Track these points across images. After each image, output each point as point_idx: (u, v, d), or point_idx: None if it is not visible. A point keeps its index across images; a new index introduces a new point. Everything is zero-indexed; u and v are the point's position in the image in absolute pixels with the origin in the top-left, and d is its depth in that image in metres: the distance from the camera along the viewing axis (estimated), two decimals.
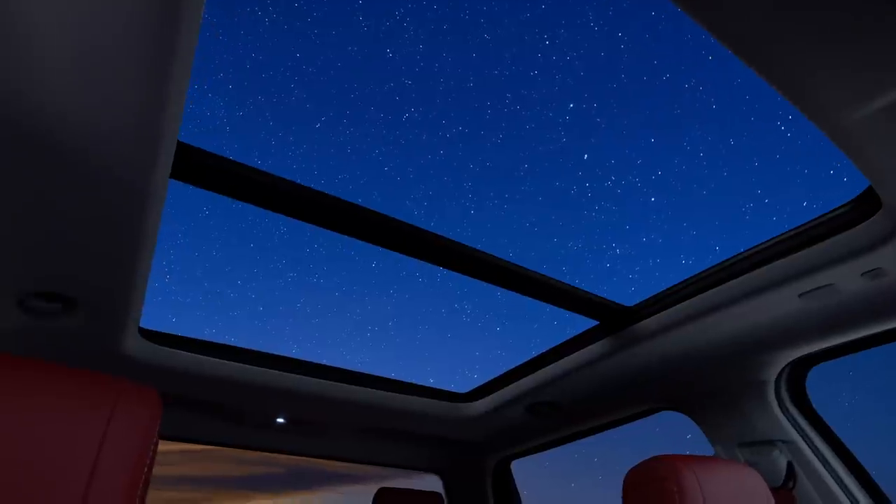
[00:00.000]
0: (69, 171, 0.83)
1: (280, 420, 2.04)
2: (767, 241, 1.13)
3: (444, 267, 1.25)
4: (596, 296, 1.36)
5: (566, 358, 1.62)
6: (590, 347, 1.53)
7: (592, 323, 1.55)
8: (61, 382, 0.57)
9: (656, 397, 1.66)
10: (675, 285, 1.34)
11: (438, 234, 1.18)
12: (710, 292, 1.23)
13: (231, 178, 0.96)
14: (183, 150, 0.90)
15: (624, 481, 1.11)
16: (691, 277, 1.30)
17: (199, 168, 0.93)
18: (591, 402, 1.79)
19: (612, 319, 1.42)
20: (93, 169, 0.83)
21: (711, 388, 1.51)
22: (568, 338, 1.63)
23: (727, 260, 1.22)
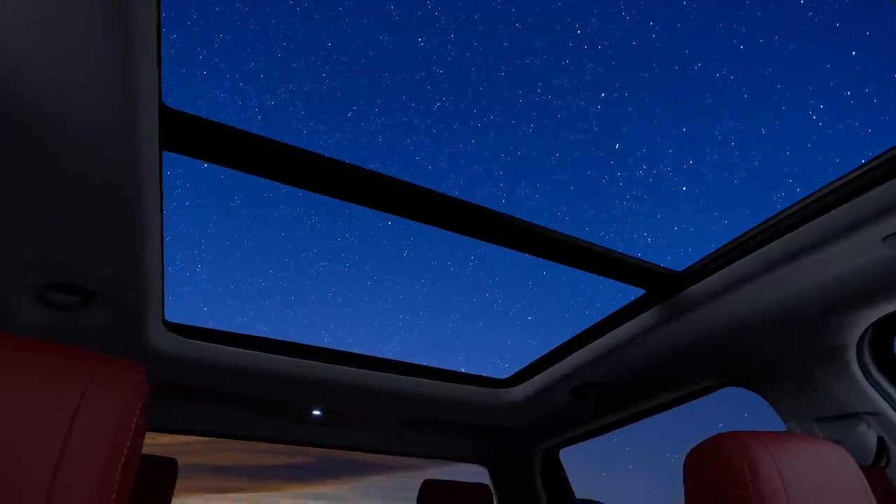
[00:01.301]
0: (53, 151, 0.79)
1: (316, 412, 2.00)
2: (840, 178, 0.97)
3: (480, 238, 1.14)
4: (641, 260, 1.23)
5: (611, 333, 1.48)
6: (636, 320, 1.40)
7: (636, 295, 1.41)
8: (32, 357, 0.52)
9: (716, 372, 1.50)
10: (728, 243, 1.18)
11: (472, 202, 1.07)
12: (769, 247, 1.08)
13: (229, 145, 0.89)
14: (173, 118, 0.84)
15: (685, 462, 0.98)
16: (746, 233, 1.14)
17: (194, 137, 0.87)
18: (641, 382, 1.64)
19: (660, 286, 1.28)
20: (77, 147, 0.78)
21: (780, 358, 1.34)
22: (610, 312, 1.50)
23: (788, 208, 1.06)
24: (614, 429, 2.05)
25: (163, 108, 0.81)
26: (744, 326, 1.25)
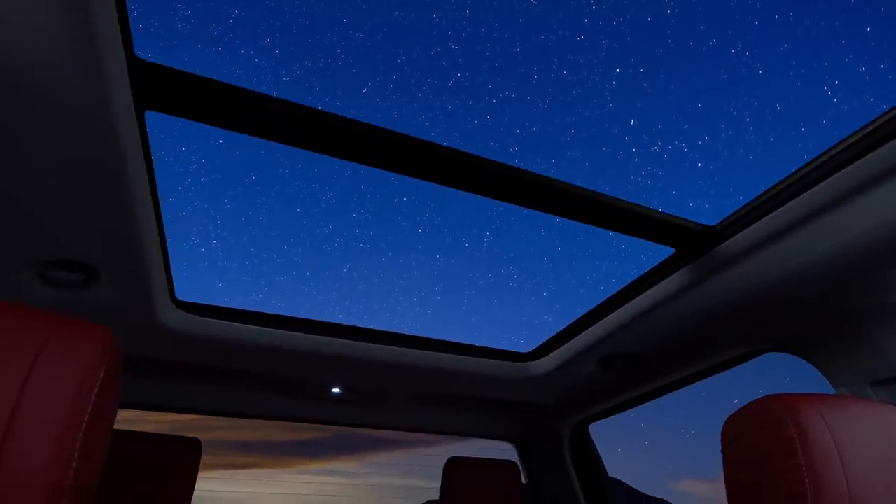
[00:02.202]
0: (30, 115, 0.74)
1: (335, 390, 1.97)
2: None
3: (497, 197, 1.05)
4: (670, 215, 1.12)
5: (638, 299, 1.38)
6: (666, 282, 1.29)
7: (664, 256, 1.30)
8: None
9: (756, 336, 1.39)
10: (768, 189, 1.07)
11: (486, 157, 0.99)
12: (815, 190, 0.96)
13: (219, 102, 0.83)
14: (148, 73, 0.78)
15: (724, 430, 0.89)
16: (789, 177, 1.02)
17: (175, 93, 0.81)
18: (674, 349, 1.54)
19: (692, 243, 1.17)
20: (51, 108, 0.73)
21: (829, 317, 1.22)
22: (636, 276, 1.40)
23: (838, 144, 0.94)
24: (646, 401, 1.96)
25: (134, 62, 0.75)
26: (788, 283, 1.13)
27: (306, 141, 0.91)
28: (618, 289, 1.46)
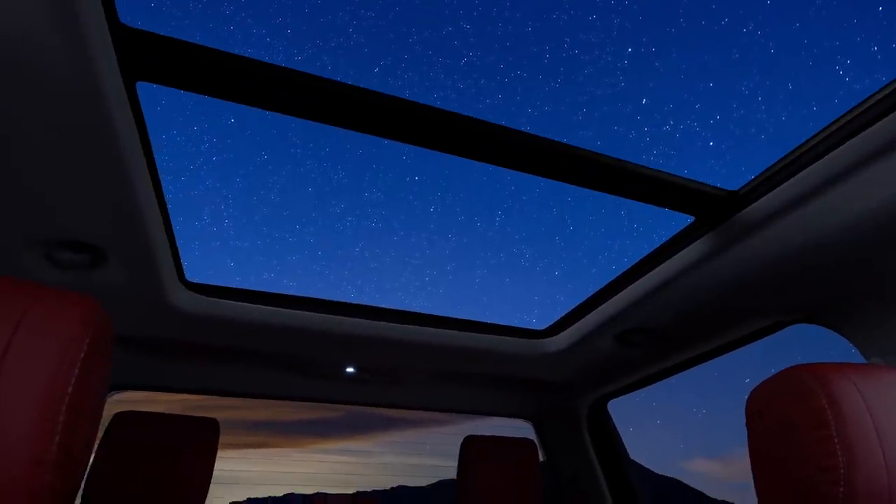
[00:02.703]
0: (16, 89, 0.72)
1: (349, 369, 1.96)
2: None
3: (505, 165, 1.00)
4: (689, 180, 1.07)
5: (656, 271, 1.33)
6: (685, 252, 1.24)
7: (683, 224, 1.25)
8: None
9: (782, 307, 1.33)
10: (790, 152, 1.00)
11: (496, 123, 0.94)
12: (840, 150, 0.89)
13: (212, 70, 0.79)
14: (134, 40, 0.75)
15: (749, 402, 0.85)
16: (812, 138, 0.96)
17: (167, 62, 0.77)
18: (695, 323, 1.49)
19: (712, 209, 1.12)
20: (37, 80, 0.71)
21: (859, 285, 1.16)
22: (654, 247, 1.35)
23: (862, 103, 0.87)
24: (666, 377, 1.91)
25: (119, 29, 0.72)
26: (816, 249, 1.07)
27: (308, 109, 0.88)
28: (635, 261, 1.41)
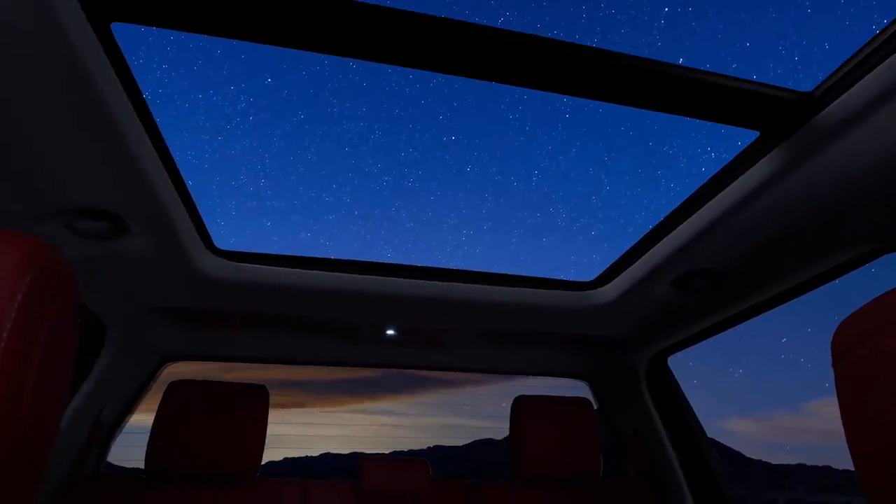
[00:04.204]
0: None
1: (390, 332, 1.93)
2: None
3: (532, 84, 0.88)
4: (752, 83, 0.90)
5: (715, 200, 1.17)
6: (749, 175, 1.08)
7: (746, 142, 1.08)
8: None
9: (868, 234, 1.15)
10: (872, 39, 0.82)
11: (520, 31, 0.82)
12: None
13: (194, 2, 0.73)
14: None
15: (834, 341, 0.71)
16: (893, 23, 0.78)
17: None
18: (761, 260, 1.32)
19: (782, 117, 0.95)
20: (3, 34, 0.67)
21: None
22: (710, 175, 1.19)
23: None
24: (731, 326, 1.74)
25: None
26: None
27: (306, 39, 0.80)
28: (689, 193, 1.26)
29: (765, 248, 1.26)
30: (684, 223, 1.28)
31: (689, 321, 1.76)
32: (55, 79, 0.75)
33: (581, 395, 2.19)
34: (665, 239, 1.36)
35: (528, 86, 0.89)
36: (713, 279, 1.45)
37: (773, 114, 0.94)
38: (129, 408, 1.90)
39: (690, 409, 2.09)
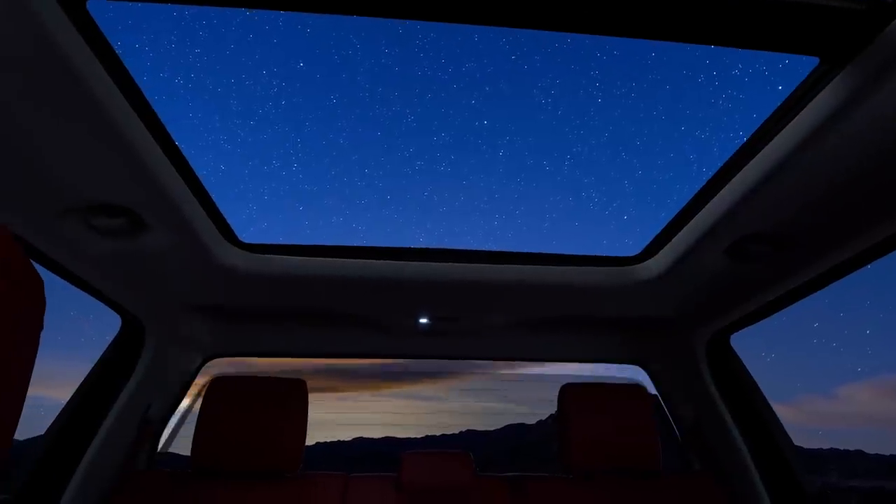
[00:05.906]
0: None
1: (424, 320, 1.87)
2: None
3: (559, 26, 0.80)
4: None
5: (770, 147, 1.02)
6: (807, 112, 0.92)
7: (801, 73, 0.94)
8: None
9: None
10: None
11: None
12: None
13: None
14: None
15: None
16: None
17: None
18: (828, 218, 1.15)
19: (843, 36, 0.80)
20: None
21: None
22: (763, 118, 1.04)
23: None
24: (800, 298, 1.55)
25: None
26: None
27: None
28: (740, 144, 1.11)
29: (831, 203, 1.09)
30: (734, 180, 1.13)
31: (748, 295, 1.58)
32: (24, 62, 0.74)
33: (633, 381, 2.05)
34: (713, 200, 1.21)
35: (564, 29, 0.80)
36: (772, 244, 1.29)
37: (835, 30, 0.79)
38: (174, 405, 1.95)
39: (760, 393, 1.90)
